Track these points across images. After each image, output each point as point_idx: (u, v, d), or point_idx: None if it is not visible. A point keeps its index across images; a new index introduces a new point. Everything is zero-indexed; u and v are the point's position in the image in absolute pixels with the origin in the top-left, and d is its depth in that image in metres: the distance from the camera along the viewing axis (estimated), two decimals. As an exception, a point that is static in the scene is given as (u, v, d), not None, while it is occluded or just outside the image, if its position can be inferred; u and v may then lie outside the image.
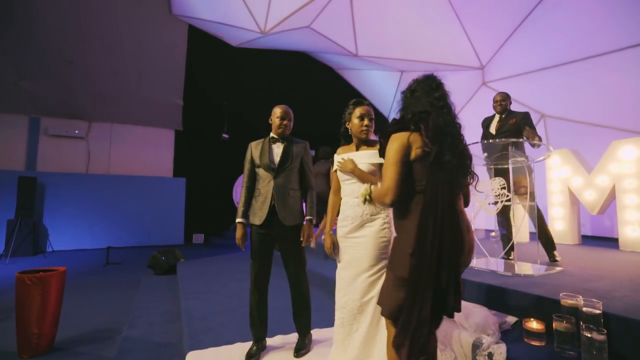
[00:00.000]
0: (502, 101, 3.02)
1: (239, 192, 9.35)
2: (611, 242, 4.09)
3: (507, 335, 1.78)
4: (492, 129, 3.04)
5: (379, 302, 1.32)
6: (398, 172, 1.27)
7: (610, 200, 3.85)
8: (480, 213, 2.86)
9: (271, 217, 1.94)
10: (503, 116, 3.02)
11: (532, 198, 2.60)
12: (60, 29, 6.13)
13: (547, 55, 4.80)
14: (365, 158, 1.63)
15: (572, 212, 4.17)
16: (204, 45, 7.19)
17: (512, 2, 4.82)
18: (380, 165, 1.52)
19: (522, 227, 3.30)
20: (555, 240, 4.16)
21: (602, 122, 4.25)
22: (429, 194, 1.24)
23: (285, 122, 2.03)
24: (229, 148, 8.96)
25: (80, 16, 6.03)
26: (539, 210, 2.75)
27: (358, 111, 1.69)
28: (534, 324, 1.68)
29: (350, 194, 1.65)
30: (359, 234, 1.60)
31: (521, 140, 2.53)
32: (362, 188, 1.59)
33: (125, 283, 4.40)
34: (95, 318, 3.06)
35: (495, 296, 2.08)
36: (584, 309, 1.52)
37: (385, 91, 8.23)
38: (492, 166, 2.68)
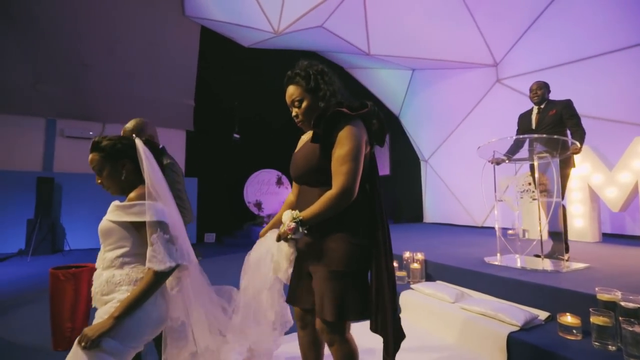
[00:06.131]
0: (538, 90, 2.80)
1: (250, 192, 9.52)
2: (633, 240, 4.03)
3: (539, 329, 1.78)
4: (533, 124, 2.82)
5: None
6: (361, 168, 1.12)
7: (633, 197, 3.79)
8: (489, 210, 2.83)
9: None
10: (542, 107, 2.80)
11: (551, 195, 2.56)
12: (76, 32, 6.23)
13: (563, 51, 4.75)
14: None
15: (592, 209, 4.12)
16: (215, 46, 7.26)
17: (527, -2, 4.78)
18: None
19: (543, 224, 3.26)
20: (575, 238, 4.14)
21: (624, 119, 4.19)
22: (375, 193, 1.20)
23: None
24: (240, 148, 9.04)
25: (95, 19, 6.13)
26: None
27: None
28: (568, 318, 1.68)
29: None
30: None
31: (563, 138, 2.37)
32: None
33: (144, 281, 4.47)
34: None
35: (525, 292, 2.07)
36: (623, 302, 1.51)
37: (395, 90, 8.22)
38: (535, 162, 2.54)
